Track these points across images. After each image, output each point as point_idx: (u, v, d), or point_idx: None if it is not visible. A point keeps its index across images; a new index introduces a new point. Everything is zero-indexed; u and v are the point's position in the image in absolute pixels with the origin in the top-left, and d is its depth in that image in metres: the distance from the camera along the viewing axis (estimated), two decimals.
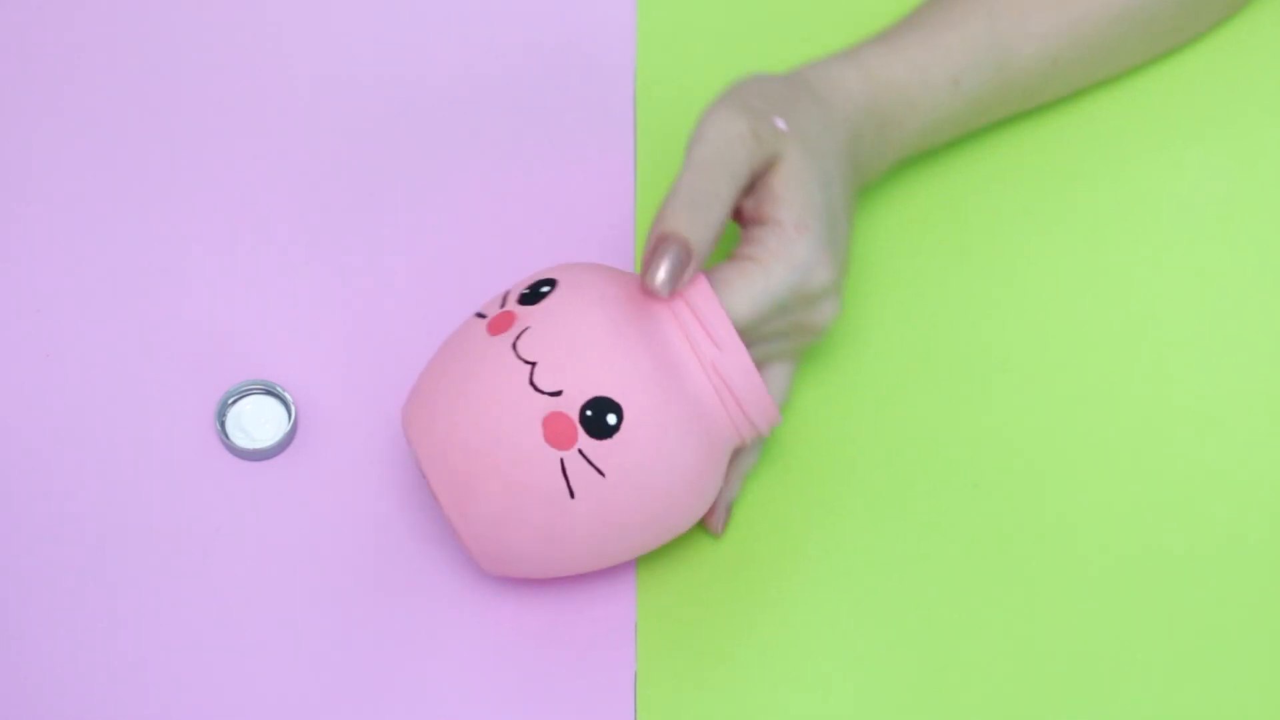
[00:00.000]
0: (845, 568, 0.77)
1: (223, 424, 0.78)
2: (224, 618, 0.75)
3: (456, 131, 0.85)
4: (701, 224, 0.70)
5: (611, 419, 0.69)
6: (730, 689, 0.75)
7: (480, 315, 0.71)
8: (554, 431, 0.68)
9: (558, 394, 0.68)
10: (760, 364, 0.74)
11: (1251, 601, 0.77)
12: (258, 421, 0.78)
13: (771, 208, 0.72)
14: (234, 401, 0.79)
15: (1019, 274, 0.82)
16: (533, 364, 0.69)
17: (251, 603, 0.75)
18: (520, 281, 0.72)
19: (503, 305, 0.71)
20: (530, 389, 0.69)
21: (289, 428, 0.78)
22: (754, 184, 0.73)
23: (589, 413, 0.69)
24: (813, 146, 0.73)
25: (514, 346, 0.69)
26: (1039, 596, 0.76)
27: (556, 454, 0.68)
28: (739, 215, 0.74)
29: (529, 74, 0.86)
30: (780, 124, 0.73)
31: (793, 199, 0.72)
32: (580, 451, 0.69)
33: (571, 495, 0.69)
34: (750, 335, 0.72)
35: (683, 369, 0.70)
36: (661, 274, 0.69)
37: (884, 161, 0.79)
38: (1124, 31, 0.81)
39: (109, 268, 0.82)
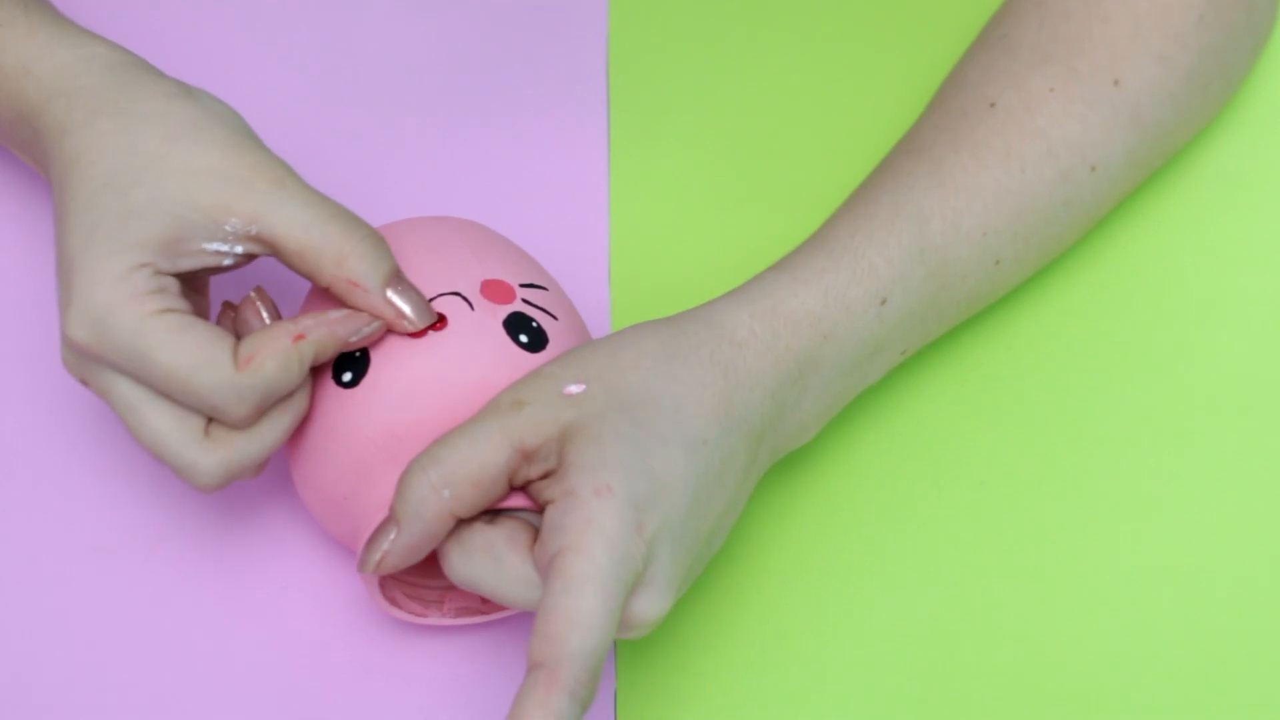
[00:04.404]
0: (836, 583, 0.74)
1: None
2: None
3: (423, 101, 0.82)
4: (405, 489, 0.63)
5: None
6: (712, 702, 0.72)
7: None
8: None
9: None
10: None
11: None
12: None
13: (567, 477, 0.62)
14: None
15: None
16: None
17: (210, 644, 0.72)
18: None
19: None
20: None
21: None
22: (546, 464, 0.64)
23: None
24: (635, 406, 0.64)
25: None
26: (1056, 639, 0.74)
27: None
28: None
29: (498, 40, 0.83)
30: (574, 388, 0.64)
31: (588, 460, 0.62)
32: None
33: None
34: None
35: None
36: (369, 550, 0.64)
37: (807, 412, 0.69)
38: (1070, 213, 0.73)
39: None
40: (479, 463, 0.63)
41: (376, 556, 0.64)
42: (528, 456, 0.63)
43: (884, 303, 0.69)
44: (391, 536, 0.63)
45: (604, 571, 0.61)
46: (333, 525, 0.69)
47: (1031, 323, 0.78)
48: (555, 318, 0.69)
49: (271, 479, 0.74)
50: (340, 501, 0.67)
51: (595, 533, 0.61)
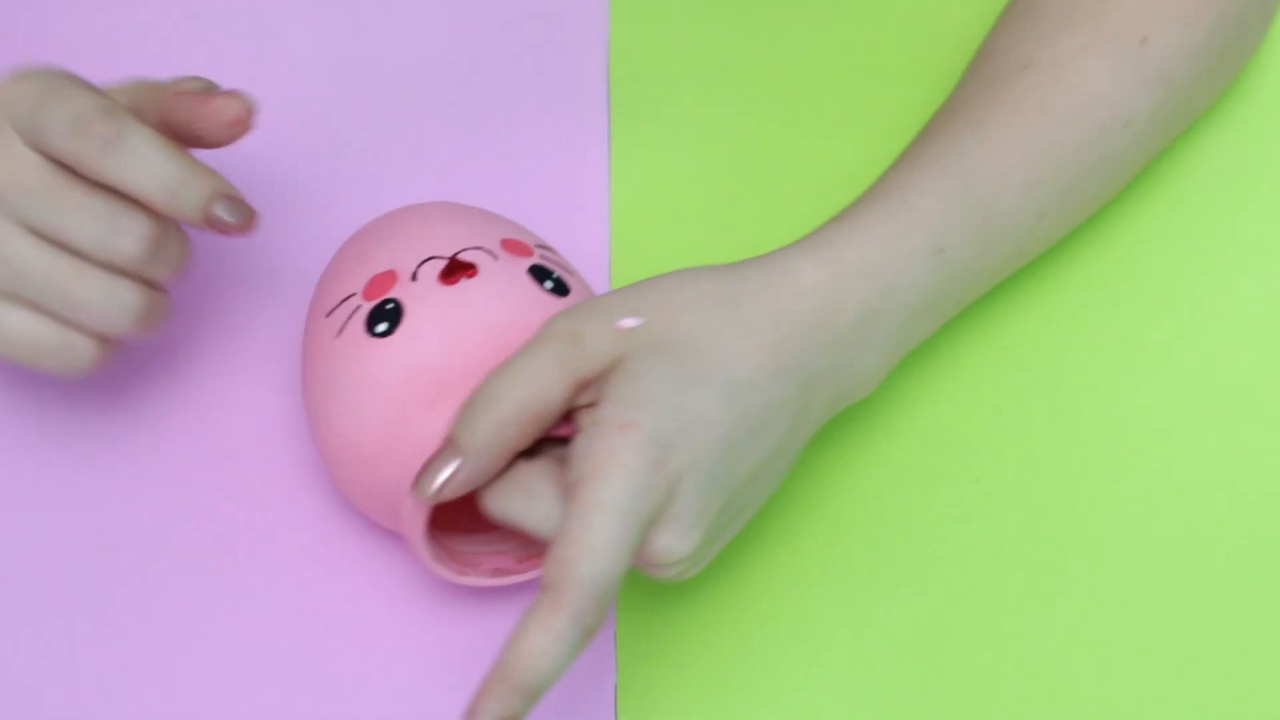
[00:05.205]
0: (839, 585, 0.74)
1: None
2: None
3: (423, 107, 0.82)
4: (475, 425, 0.64)
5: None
6: (713, 701, 0.72)
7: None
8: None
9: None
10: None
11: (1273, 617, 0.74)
12: None
13: (598, 409, 0.64)
14: None
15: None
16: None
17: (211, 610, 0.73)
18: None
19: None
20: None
21: None
22: (594, 394, 0.65)
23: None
24: (682, 347, 0.65)
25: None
26: (1052, 645, 0.74)
27: None
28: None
29: (498, 44, 0.83)
30: (628, 322, 0.65)
31: (621, 394, 0.63)
32: None
33: None
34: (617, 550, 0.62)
35: None
36: (428, 476, 0.65)
37: (869, 364, 0.70)
38: (1107, 168, 0.75)
39: None
40: (542, 400, 0.64)
41: (437, 483, 0.65)
42: (582, 387, 0.65)
43: (939, 253, 0.70)
44: (454, 466, 0.64)
45: (619, 502, 0.62)
46: (365, 485, 0.69)
47: (1026, 323, 0.79)
48: (571, 274, 0.71)
49: (287, 466, 0.75)
50: (378, 456, 0.68)
51: (614, 464, 0.62)
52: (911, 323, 0.70)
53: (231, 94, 0.67)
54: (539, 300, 0.68)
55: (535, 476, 0.65)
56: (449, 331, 0.67)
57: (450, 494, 0.65)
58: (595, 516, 0.61)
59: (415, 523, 0.66)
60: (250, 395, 0.76)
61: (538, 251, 0.70)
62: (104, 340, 0.68)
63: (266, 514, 0.74)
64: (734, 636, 0.73)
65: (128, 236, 0.66)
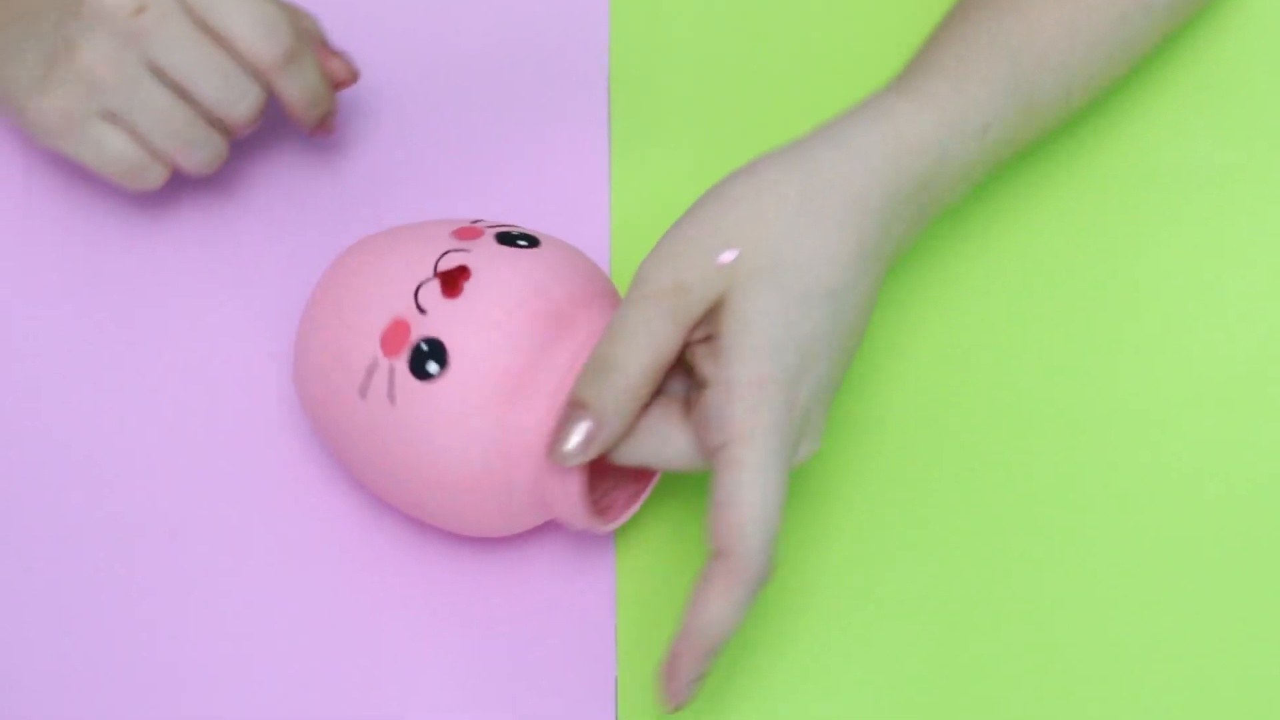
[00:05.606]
0: (839, 559, 0.75)
1: None
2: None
3: (424, 107, 0.82)
4: (606, 392, 0.66)
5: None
6: (714, 701, 0.72)
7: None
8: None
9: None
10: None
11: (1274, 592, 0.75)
12: None
13: (724, 364, 0.66)
14: None
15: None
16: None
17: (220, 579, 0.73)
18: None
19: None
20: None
21: None
22: (709, 332, 0.67)
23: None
24: (780, 267, 0.67)
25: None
26: (1059, 615, 0.74)
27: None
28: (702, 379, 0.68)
29: (499, 48, 0.83)
30: (727, 257, 0.66)
31: (742, 348, 0.66)
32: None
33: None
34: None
35: None
36: (566, 443, 0.66)
37: (919, 227, 0.72)
38: (1126, 52, 0.78)
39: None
40: (663, 357, 0.66)
41: (576, 446, 0.66)
42: (693, 328, 0.67)
43: (986, 129, 0.72)
44: (589, 429, 0.66)
45: (769, 460, 0.65)
46: (481, 507, 0.69)
47: (1023, 317, 0.79)
48: (519, 228, 0.71)
49: (294, 457, 0.76)
50: (491, 472, 0.68)
51: (756, 424, 0.65)
52: (951, 190, 0.72)
53: (343, 62, 0.76)
54: (528, 260, 0.69)
55: (659, 421, 0.67)
56: (490, 333, 0.68)
57: (593, 455, 0.67)
58: (751, 478, 0.65)
59: (571, 498, 0.68)
60: (258, 386, 0.77)
61: (483, 225, 0.71)
62: (172, 170, 0.75)
63: (275, 509, 0.75)
64: (733, 636, 0.72)
65: (245, 103, 0.74)
